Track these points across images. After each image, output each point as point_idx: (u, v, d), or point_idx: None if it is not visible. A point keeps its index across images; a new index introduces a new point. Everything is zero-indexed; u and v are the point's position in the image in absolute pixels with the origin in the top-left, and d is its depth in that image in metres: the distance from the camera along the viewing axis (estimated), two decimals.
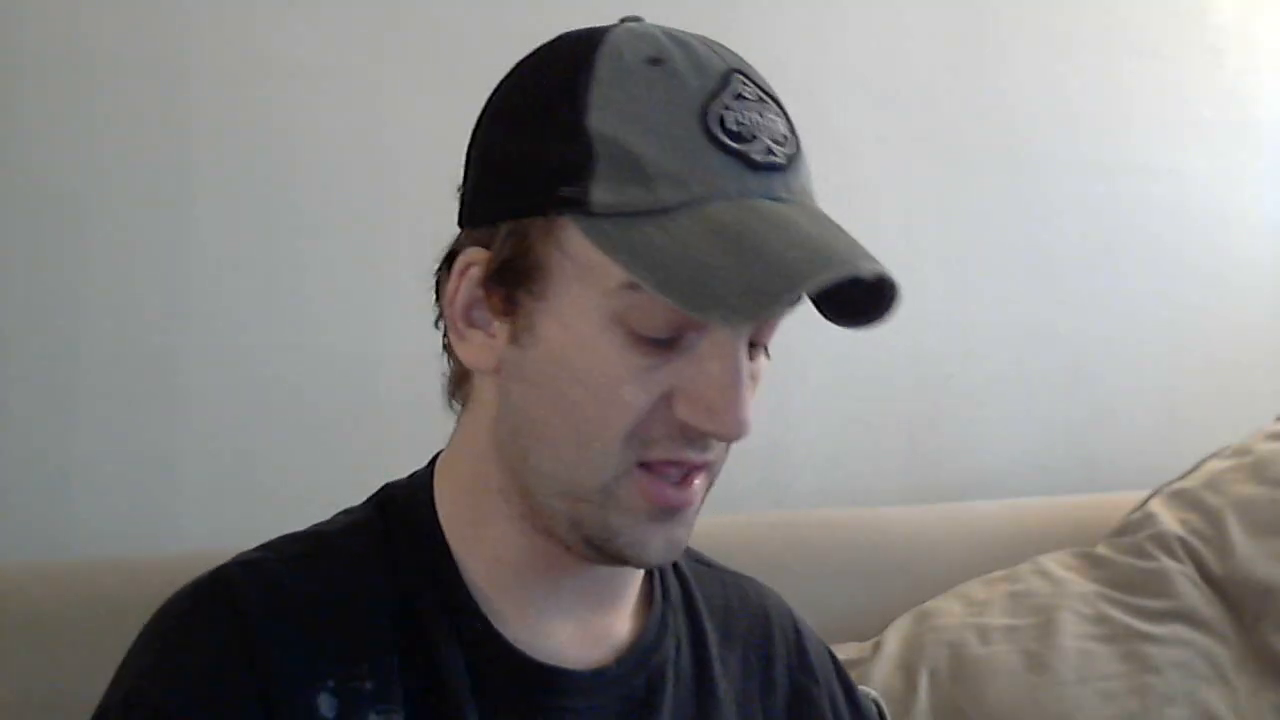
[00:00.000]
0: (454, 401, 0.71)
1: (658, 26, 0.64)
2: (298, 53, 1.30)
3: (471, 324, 0.65)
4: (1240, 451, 1.45)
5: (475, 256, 0.64)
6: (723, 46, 0.65)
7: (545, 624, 0.68)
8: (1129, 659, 1.23)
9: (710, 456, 0.63)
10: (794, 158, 0.62)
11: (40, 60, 1.21)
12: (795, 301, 0.57)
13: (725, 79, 0.61)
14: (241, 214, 1.28)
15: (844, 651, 1.12)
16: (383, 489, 0.73)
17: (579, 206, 0.60)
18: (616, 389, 0.60)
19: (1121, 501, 1.46)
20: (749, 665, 0.77)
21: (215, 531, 1.24)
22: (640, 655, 0.70)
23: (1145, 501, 1.44)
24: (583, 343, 0.61)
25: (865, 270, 0.57)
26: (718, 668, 0.74)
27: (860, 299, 0.61)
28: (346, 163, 1.32)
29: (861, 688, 0.86)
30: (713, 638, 0.75)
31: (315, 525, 0.71)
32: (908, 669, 1.22)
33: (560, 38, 0.66)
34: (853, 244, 0.60)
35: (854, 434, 1.60)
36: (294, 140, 1.30)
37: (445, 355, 0.70)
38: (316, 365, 1.31)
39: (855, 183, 1.59)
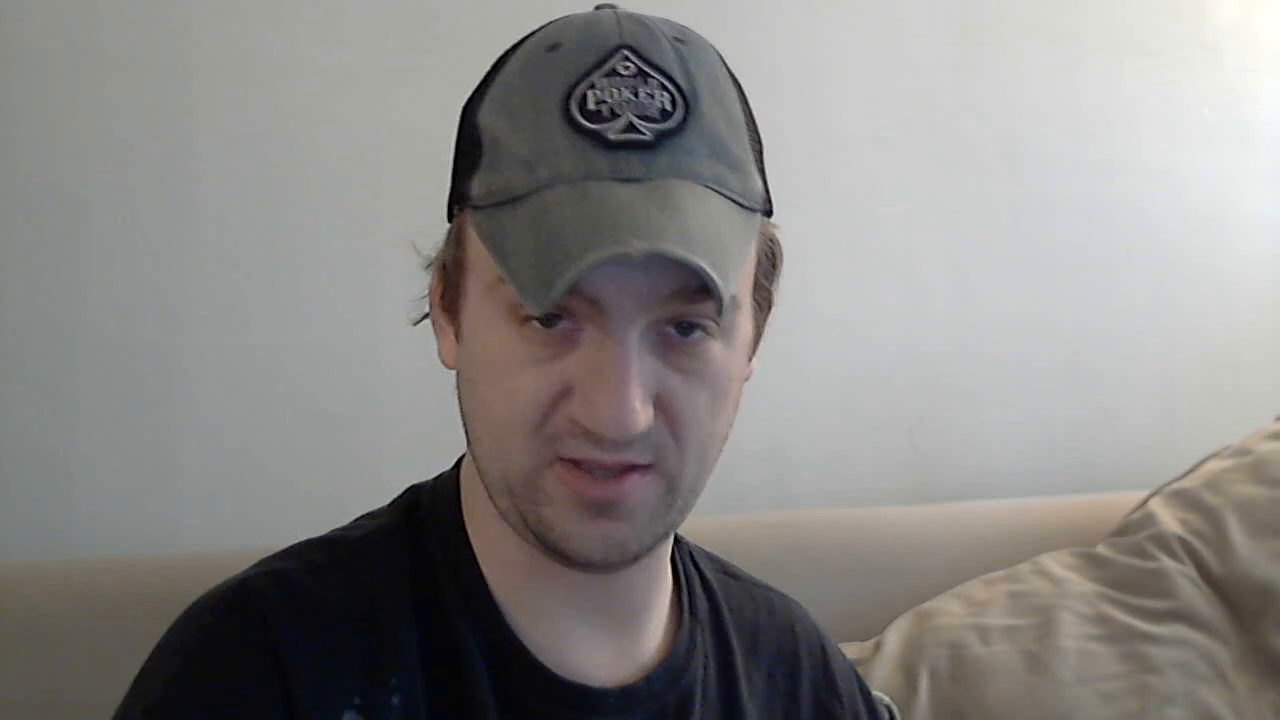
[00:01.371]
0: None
1: (620, 11, 0.63)
2: (301, 53, 1.30)
3: (449, 322, 0.66)
4: (1240, 451, 1.45)
5: (441, 256, 0.66)
6: (649, 22, 0.62)
7: (567, 637, 0.67)
8: (1129, 659, 1.23)
9: (628, 458, 0.59)
10: (669, 132, 0.58)
11: (42, 60, 1.21)
12: (574, 277, 0.53)
13: (605, 57, 0.59)
14: (243, 214, 1.28)
15: (844, 651, 1.12)
16: (408, 491, 0.72)
17: (468, 200, 0.61)
18: (513, 381, 0.59)
19: (1121, 501, 1.46)
20: (774, 683, 0.76)
21: (215, 531, 1.24)
22: (669, 674, 0.69)
23: (1145, 501, 1.44)
24: (485, 336, 0.61)
25: (634, 249, 0.52)
26: (744, 686, 0.73)
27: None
28: (348, 163, 1.32)
29: (875, 694, 0.86)
30: (739, 655, 0.74)
31: (337, 530, 0.70)
32: (908, 669, 1.22)
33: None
34: (671, 225, 0.55)
35: (854, 434, 1.60)
36: (295, 140, 1.30)
37: None
38: (317, 365, 1.31)
39: (855, 183, 1.59)
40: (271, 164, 1.29)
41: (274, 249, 1.29)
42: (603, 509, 0.59)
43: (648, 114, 0.58)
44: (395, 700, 0.62)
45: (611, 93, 0.58)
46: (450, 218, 0.65)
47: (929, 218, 1.65)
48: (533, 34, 0.64)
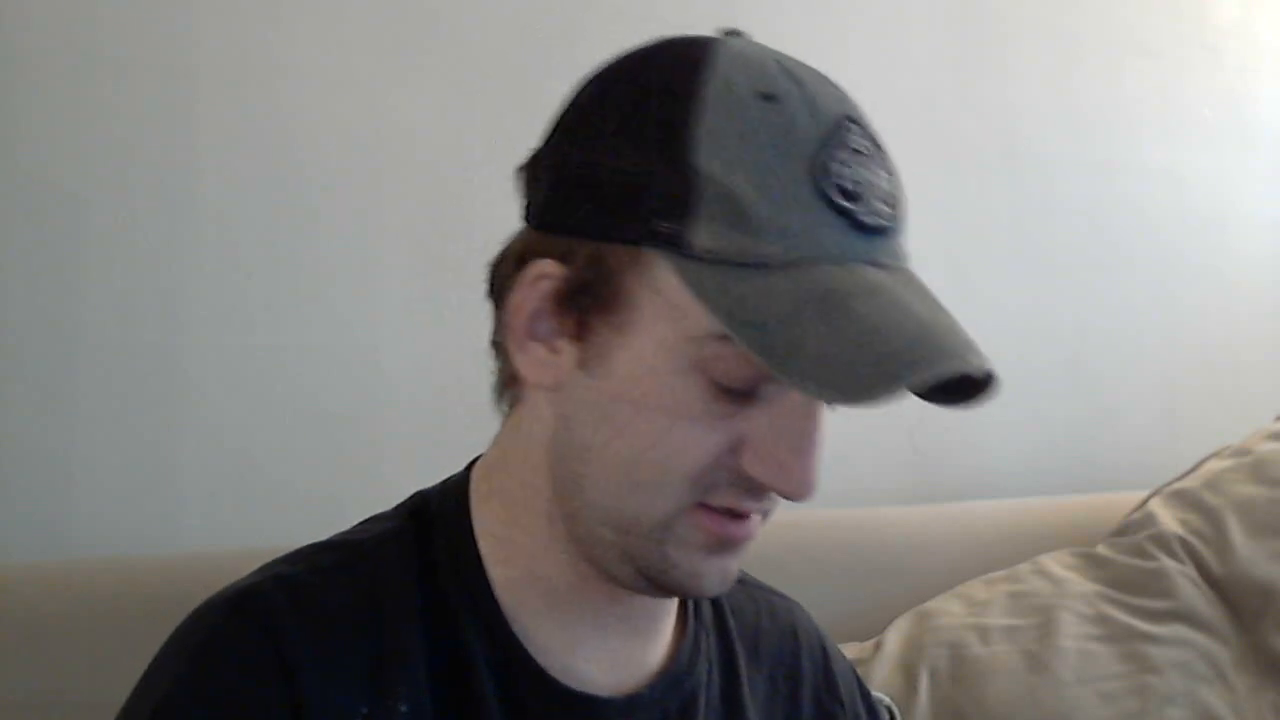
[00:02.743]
0: (501, 403, 0.69)
1: (763, 48, 0.62)
2: (301, 53, 1.30)
3: (534, 336, 0.62)
4: (1240, 451, 1.45)
5: (549, 269, 0.61)
6: (831, 84, 0.62)
7: (576, 648, 0.66)
8: (1129, 659, 1.23)
9: (769, 505, 0.63)
10: (898, 219, 0.60)
11: (42, 60, 1.20)
12: (909, 386, 0.55)
13: (837, 126, 0.59)
14: (243, 214, 1.28)
15: (844, 651, 1.12)
16: (415, 496, 0.71)
17: (675, 245, 0.57)
18: (686, 433, 0.58)
19: (1121, 501, 1.46)
20: (775, 686, 0.76)
21: (215, 531, 1.24)
22: (673, 680, 0.69)
23: (1145, 501, 1.44)
24: (658, 382, 0.58)
25: (974, 368, 0.56)
26: (746, 690, 0.73)
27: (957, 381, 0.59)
28: (348, 163, 1.32)
29: (875, 694, 0.86)
30: (742, 659, 0.74)
31: (344, 534, 0.69)
32: (908, 669, 1.22)
33: (660, 47, 0.62)
34: (952, 325, 0.58)
35: (854, 434, 1.59)
36: (295, 140, 1.30)
37: (495, 353, 0.67)
38: (317, 365, 1.31)
39: None
40: (271, 164, 1.29)
41: (274, 249, 1.29)
42: (729, 547, 0.62)
43: (883, 197, 0.59)
44: (403, 709, 0.61)
45: (859, 172, 0.58)
46: (588, 237, 0.60)
47: (929, 218, 1.64)
48: (699, 64, 0.59)
